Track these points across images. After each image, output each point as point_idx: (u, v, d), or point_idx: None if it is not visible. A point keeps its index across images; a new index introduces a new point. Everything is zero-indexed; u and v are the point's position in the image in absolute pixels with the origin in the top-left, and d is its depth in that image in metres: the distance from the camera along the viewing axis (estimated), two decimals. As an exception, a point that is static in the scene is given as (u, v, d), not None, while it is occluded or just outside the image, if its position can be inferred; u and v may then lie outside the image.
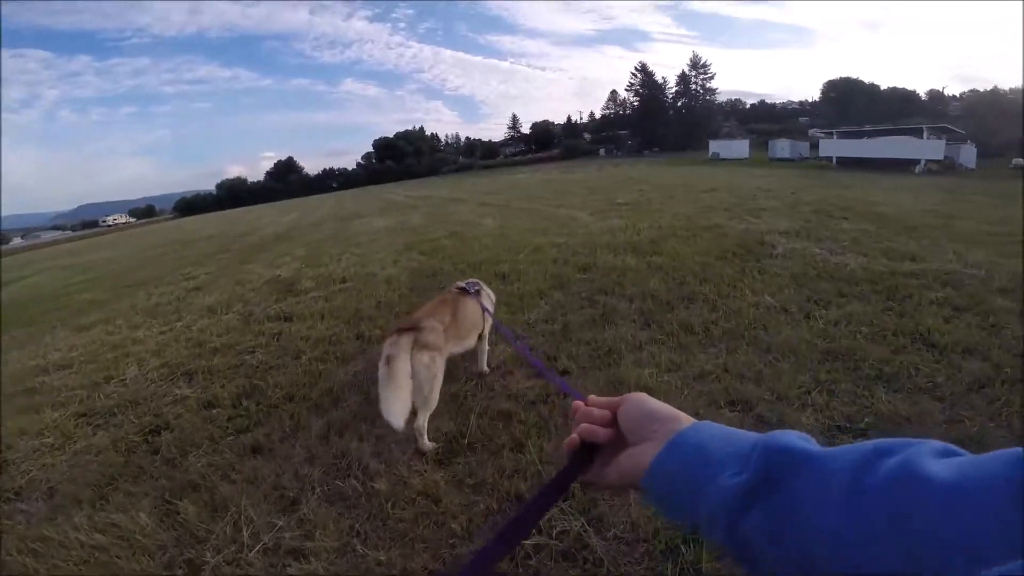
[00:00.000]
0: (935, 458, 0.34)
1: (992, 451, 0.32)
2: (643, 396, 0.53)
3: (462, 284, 2.99)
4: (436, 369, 2.36)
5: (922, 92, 77.24)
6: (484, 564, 0.43)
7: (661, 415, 0.50)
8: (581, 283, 4.62)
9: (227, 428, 2.86)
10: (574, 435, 0.54)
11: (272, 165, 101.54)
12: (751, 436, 0.44)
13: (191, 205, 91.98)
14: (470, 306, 2.80)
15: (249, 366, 3.71)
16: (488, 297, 3.10)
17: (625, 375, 2.85)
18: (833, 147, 32.46)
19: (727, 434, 0.45)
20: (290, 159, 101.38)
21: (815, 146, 38.12)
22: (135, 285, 8.51)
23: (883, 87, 75.23)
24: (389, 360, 2.23)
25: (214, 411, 3.09)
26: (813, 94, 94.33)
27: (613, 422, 0.54)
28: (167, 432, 2.92)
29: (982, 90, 66.71)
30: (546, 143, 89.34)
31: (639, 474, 0.47)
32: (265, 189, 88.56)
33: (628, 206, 10.18)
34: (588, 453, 0.54)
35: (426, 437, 2.42)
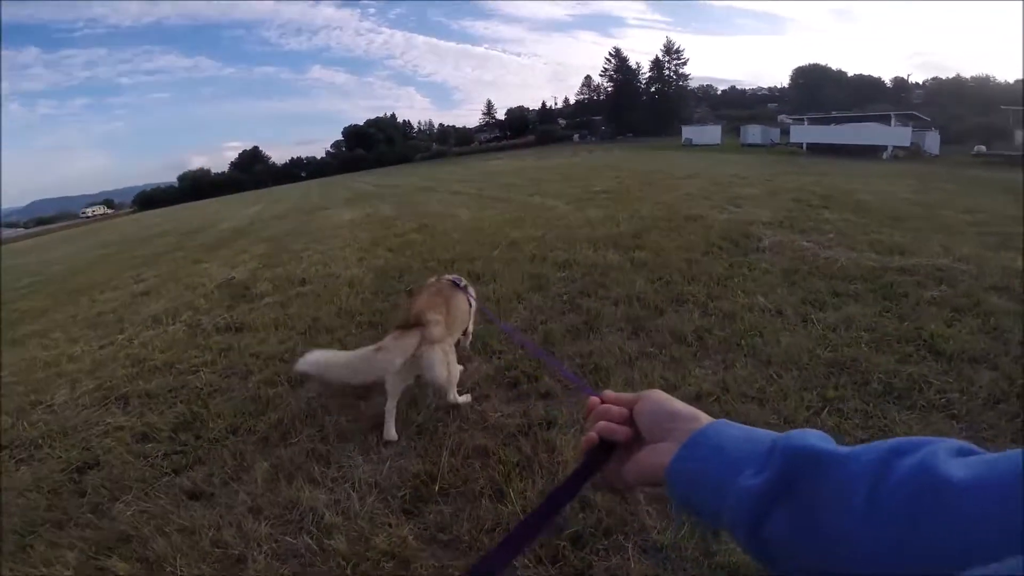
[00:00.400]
0: (952, 457, 0.34)
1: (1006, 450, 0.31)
2: (661, 394, 0.53)
3: (451, 277, 2.83)
4: (451, 356, 2.44)
5: (887, 79, 79.51)
6: (494, 565, 0.43)
7: (681, 413, 0.51)
8: (561, 283, 4.29)
9: (162, 467, 2.48)
10: (592, 433, 0.54)
11: (237, 155, 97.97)
12: (770, 435, 0.43)
13: (151, 198, 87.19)
14: (460, 300, 2.73)
15: (191, 389, 3.29)
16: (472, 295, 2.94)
17: (615, 396, 2.54)
18: (803, 133, 32.88)
19: (746, 433, 0.45)
20: (255, 149, 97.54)
21: (786, 132, 38.58)
22: (79, 290, 7.82)
23: (850, 74, 77.08)
24: (380, 350, 2.20)
25: (148, 445, 2.69)
26: (782, 80, 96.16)
27: (630, 420, 0.54)
28: (95, 470, 2.54)
29: (944, 78, 69.13)
30: (521, 129, 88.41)
31: (657, 473, 0.48)
32: (230, 180, 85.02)
33: (606, 194, 9.88)
34: (606, 451, 0.53)
35: (460, 397, 2.60)
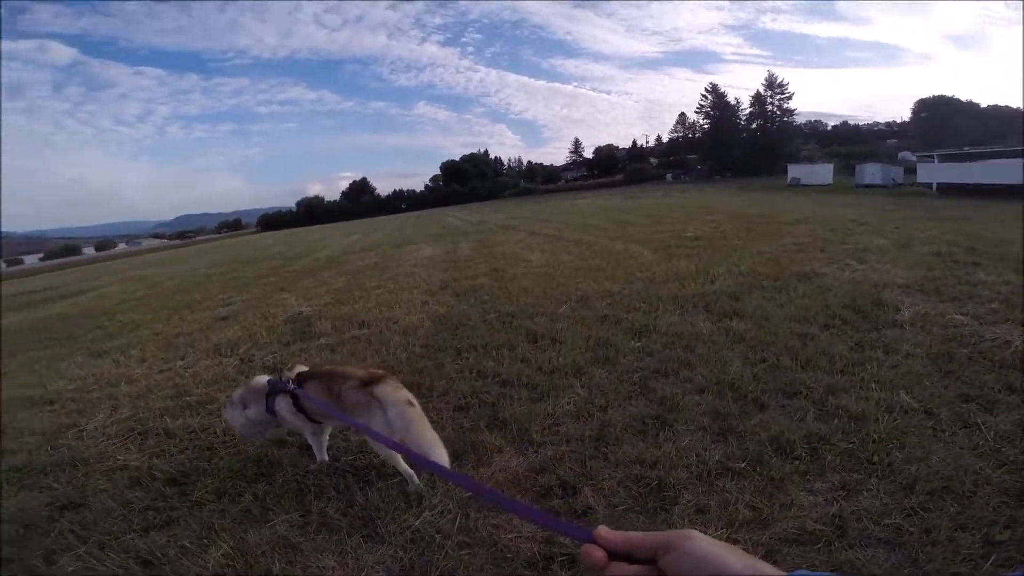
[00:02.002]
0: None
1: None
2: (703, 540, 0.42)
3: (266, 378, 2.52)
4: None
5: (1028, 110, 69.73)
6: None
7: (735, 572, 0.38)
8: (634, 356, 3.57)
9: (134, 522, 2.29)
10: None
11: (347, 185, 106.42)
12: None
13: (272, 220, 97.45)
14: None
15: (209, 434, 3.11)
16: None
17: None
18: (933, 172, 29.19)
19: None
20: (364, 180, 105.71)
21: (911, 170, 34.64)
22: (176, 308, 8.40)
23: (982, 105, 68.63)
24: (412, 402, 2.10)
25: (137, 493, 2.54)
26: (902, 114, 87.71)
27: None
28: (75, 511, 2.44)
29: (1095, 105, 59.14)
30: (609, 168, 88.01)
31: None
32: (339, 208, 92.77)
33: (699, 242, 8.91)
34: None
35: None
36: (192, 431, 3.18)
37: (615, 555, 0.45)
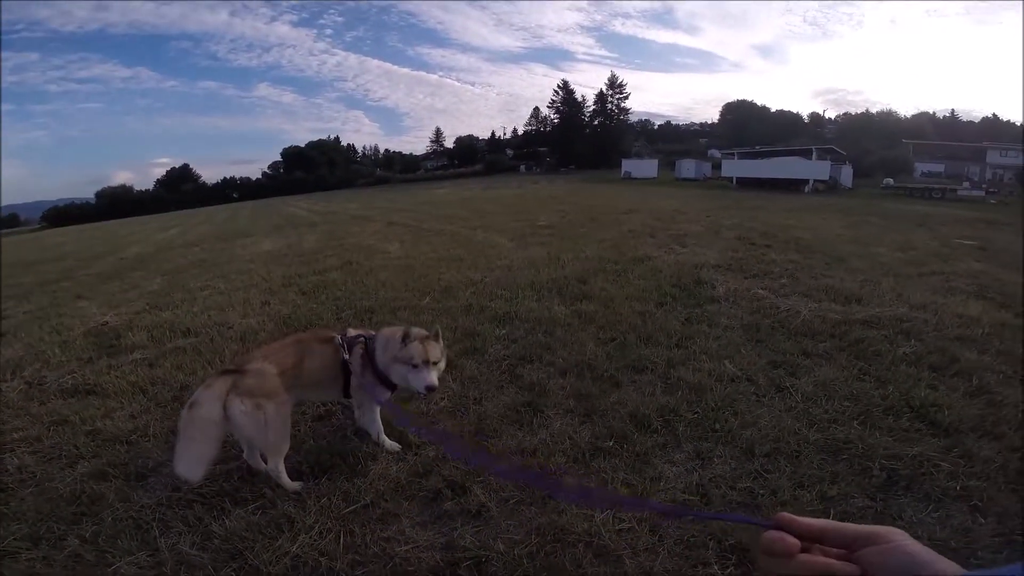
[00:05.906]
0: None
1: None
2: (910, 540, 0.40)
3: (354, 332, 2.34)
4: (266, 415, 1.96)
5: (804, 115, 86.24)
6: None
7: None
8: (500, 344, 3.60)
9: None
10: None
11: (164, 173, 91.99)
12: None
13: (64, 215, 79.45)
14: (323, 356, 2.22)
15: None
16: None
17: (567, 520, 1.88)
18: (733, 167, 34.62)
19: None
20: (185, 166, 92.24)
21: (717, 166, 40.61)
22: (-80, 329, 6.38)
23: (772, 110, 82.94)
24: (192, 406, 1.90)
25: None
26: (713, 116, 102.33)
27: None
28: None
29: (854, 113, 75.87)
30: (469, 158, 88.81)
31: None
32: (154, 199, 79.77)
33: (550, 230, 9.43)
34: None
35: (286, 477, 2.11)
36: (-31, 473, 2.45)
37: (804, 541, 0.43)
